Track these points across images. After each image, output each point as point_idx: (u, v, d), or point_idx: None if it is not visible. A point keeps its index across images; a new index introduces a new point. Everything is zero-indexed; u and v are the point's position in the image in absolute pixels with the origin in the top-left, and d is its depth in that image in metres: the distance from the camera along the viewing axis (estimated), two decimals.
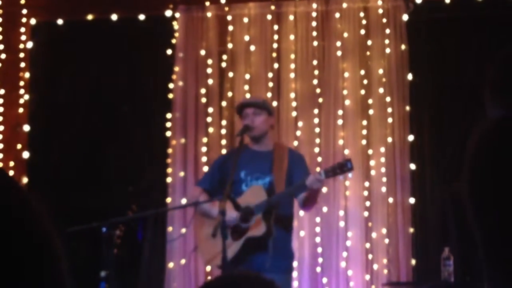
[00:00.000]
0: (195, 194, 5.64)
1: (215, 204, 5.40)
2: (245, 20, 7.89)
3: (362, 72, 7.64)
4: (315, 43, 7.77)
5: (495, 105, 1.83)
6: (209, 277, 7.43)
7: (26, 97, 8.19)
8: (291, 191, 5.33)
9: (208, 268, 7.19)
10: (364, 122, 7.57)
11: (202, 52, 7.92)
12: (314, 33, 7.78)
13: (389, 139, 7.50)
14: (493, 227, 1.79)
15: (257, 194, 5.34)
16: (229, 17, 7.94)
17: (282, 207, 5.48)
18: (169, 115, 7.85)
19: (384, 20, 7.68)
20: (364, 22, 7.71)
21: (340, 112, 7.61)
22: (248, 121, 5.51)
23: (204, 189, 5.61)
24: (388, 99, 7.55)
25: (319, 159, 7.55)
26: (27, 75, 8.23)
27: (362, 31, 7.70)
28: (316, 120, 7.64)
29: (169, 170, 7.74)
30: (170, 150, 7.78)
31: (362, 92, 7.61)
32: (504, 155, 1.72)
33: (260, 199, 5.31)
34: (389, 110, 7.54)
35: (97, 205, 7.75)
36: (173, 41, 7.98)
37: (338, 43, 7.72)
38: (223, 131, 7.76)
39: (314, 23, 7.79)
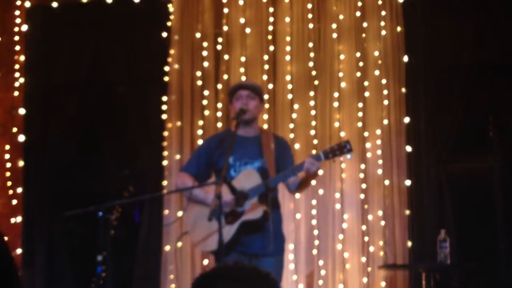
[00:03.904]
0: (183, 179, 5.60)
1: (205, 189, 5.38)
2: (241, 2, 7.87)
3: (358, 54, 7.63)
4: (311, 25, 7.76)
5: None
6: (205, 260, 7.45)
7: (22, 80, 8.18)
8: (286, 174, 5.31)
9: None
10: (360, 104, 7.56)
11: (198, 35, 7.91)
12: (310, 15, 7.76)
13: (385, 121, 7.50)
14: None
15: (251, 178, 5.33)
16: (224, 0, 7.92)
17: (274, 191, 5.48)
18: (165, 98, 7.84)
19: (380, 2, 7.67)
20: (359, 4, 7.69)
21: (336, 94, 7.60)
22: (242, 103, 5.48)
23: (191, 175, 5.58)
24: (384, 81, 7.55)
25: (315, 141, 7.55)
26: (22, 58, 8.21)
27: (358, 13, 7.69)
28: (312, 103, 7.64)
29: (165, 153, 7.74)
30: (166, 133, 7.78)
31: (358, 74, 7.60)
32: None
33: (254, 182, 5.30)
34: (385, 92, 7.54)
35: (93, 188, 7.76)
36: (169, 23, 7.95)
37: (334, 25, 7.71)
38: (219, 114, 7.76)
39: (309, 5, 7.77)
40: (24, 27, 8.23)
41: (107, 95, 8.10)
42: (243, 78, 7.63)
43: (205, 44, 7.89)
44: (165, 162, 7.73)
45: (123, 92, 8.08)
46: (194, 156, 5.80)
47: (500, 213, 7.29)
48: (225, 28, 7.87)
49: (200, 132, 7.74)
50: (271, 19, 7.83)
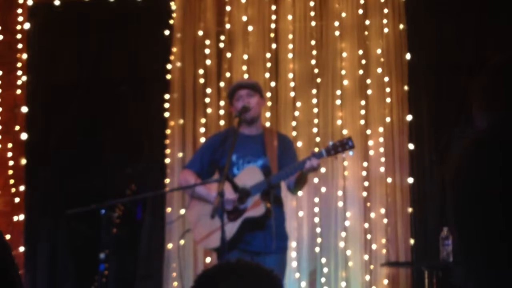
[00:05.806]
0: (186, 177, 5.60)
1: (207, 186, 5.38)
2: (243, 0, 7.86)
3: (360, 52, 7.63)
4: (313, 23, 7.76)
5: (482, 114, 1.84)
6: (208, 258, 7.45)
7: (24, 78, 8.17)
8: (288, 172, 5.31)
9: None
10: (363, 102, 7.56)
11: (200, 33, 7.90)
12: (312, 13, 7.76)
13: (388, 119, 7.49)
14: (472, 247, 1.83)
15: (253, 175, 5.33)
16: None
17: (277, 188, 5.48)
18: (167, 96, 7.84)
19: (382, 0, 7.66)
20: (362, 1, 7.69)
21: (338, 92, 7.60)
22: (243, 102, 5.48)
23: (194, 172, 5.58)
24: (386, 79, 7.54)
25: (318, 139, 7.55)
26: (24, 56, 8.21)
27: (360, 11, 7.68)
28: (314, 101, 7.64)
29: (168, 151, 7.74)
30: (168, 131, 7.78)
31: (360, 72, 7.59)
32: (485, 176, 1.76)
33: (256, 179, 5.30)
34: (388, 90, 7.53)
35: (95, 186, 7.75)
36: (171, 21, 7.95)
37: (336, 23, 7.70)
38: (221, 112, 7.75)
39: (312, 3, 7.77)
40: (27, 26, 8.23)
41: (109, 93, 8.09)
42: (246, 76, 7.63)
43: (207, 42, 7.88)
44: (167, 160, 7.73)
45: (125, 90, 8.07)
46: (197, 153, 5.81)
47: None
48: (228, 26, 7.87)
49: (202, 130, 7.73)
50: (273, 17, 7.82)
